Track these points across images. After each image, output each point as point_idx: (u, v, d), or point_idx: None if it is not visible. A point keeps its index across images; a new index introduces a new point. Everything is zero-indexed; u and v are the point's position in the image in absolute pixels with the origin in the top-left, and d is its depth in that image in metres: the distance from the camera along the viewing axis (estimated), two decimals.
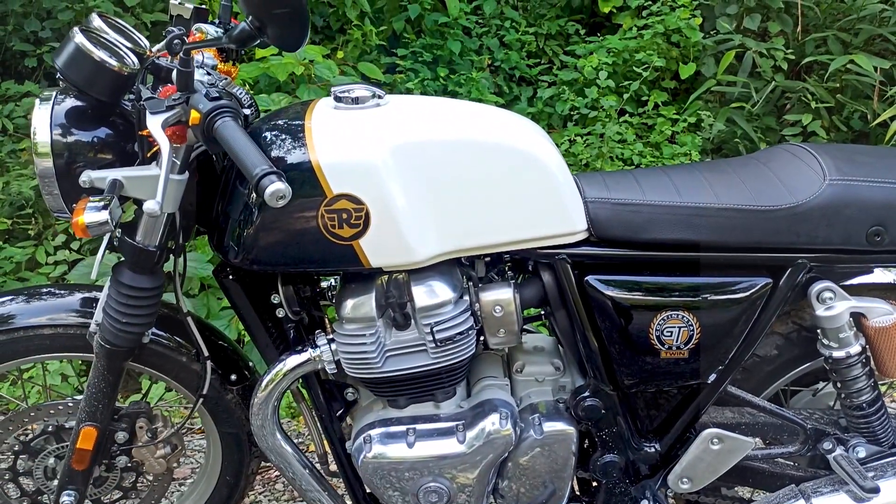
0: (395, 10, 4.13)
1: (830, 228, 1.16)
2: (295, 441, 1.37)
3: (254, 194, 1.13)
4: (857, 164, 1.20)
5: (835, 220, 1.16)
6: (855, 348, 1.22)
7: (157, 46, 1.24)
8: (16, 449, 1.41)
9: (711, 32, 4.01)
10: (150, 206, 1.02)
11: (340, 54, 3.66)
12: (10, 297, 1.38)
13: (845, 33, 3.94)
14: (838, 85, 3.85)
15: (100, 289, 1.37)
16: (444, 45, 3.99)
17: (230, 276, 1.27)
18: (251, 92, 2.95)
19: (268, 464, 2.05)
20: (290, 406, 2.35)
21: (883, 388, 1.51)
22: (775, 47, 3.83)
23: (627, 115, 3.85)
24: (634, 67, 3.89)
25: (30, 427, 1.44)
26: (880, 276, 1.37)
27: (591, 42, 4.12)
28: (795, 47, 3.90)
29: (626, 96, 3.85)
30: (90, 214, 1.02)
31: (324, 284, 1.39)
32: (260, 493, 1.94)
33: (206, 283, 2.74)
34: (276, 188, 0.95)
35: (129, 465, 1.44)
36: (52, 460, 1.42)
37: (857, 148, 1.31)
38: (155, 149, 1.09)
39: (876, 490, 1.18)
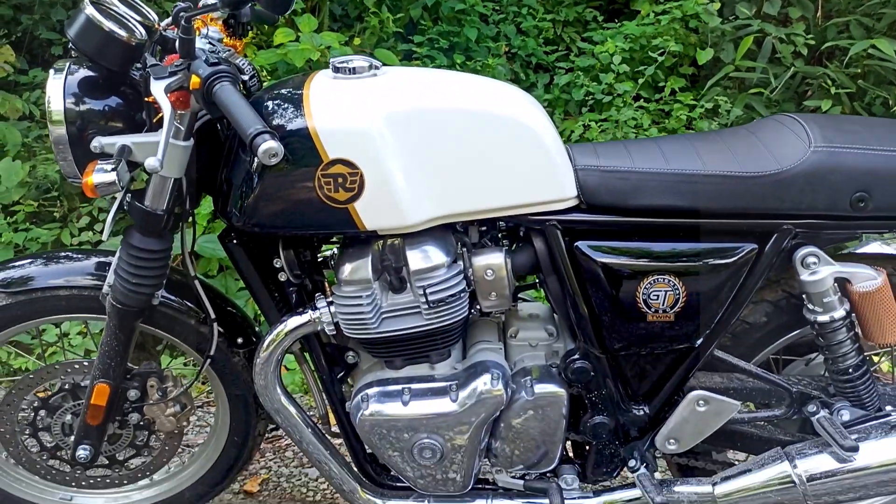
0: None
1: (815, 194, 1.18)
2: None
3: (255, 160, 1.19)
4: (844, 131, 1.22)
5: (819, 186, 1.18)
6: (839, 312, 1.24)
7: (166, 21, 1.30)
8: (35, 405, 1.49)
9: (730, 18, 3.99)
10: (150, 161, 1.08)
11: (357, 41, 3.71)
12: (29, 260, 1.46)
13: (868, 18, 3.89)
14: (860, 70, 3.80)
15: (114, 253, 1.44)
16: (460, 32, 4.02)
17: (234, 241, 1.33)
18: (268, 78, 3.02)
19: (276, 432, 2.13)
20: (303, 384, 2.41)
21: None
22: (795, 32, 3.79)
23: (643, 100, 3.85)
24: (651, 53, 3.89)
25: (48, 385, 1.52)
26: (876, 248, 1.39)
27: (609, 28, 4.12)
28: (816, 33, 3.85)
29: (641, 81, 3.84)
30: (98, 175, 1.09)
31: (326, 253, 1.44)
32: (270, 460, 2.01)
33: (223, 264, 2.82)
34: (269, 146, 1.00)
35: (141, 422, 1.51)
36: (68, 417, 1.50)
37: (847, 118, 1.32)
38: (160, 115, 1.15)
39: (855, 449, 1.20)
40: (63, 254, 1.49)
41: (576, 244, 1.26)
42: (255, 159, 1.17)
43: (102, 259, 1.45)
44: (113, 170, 1.10)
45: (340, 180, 1.18)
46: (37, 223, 3.28)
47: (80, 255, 1.48)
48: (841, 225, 1.21)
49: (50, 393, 1.49)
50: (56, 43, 3.86)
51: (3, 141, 3.41)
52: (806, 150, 1.19)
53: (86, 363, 1.47)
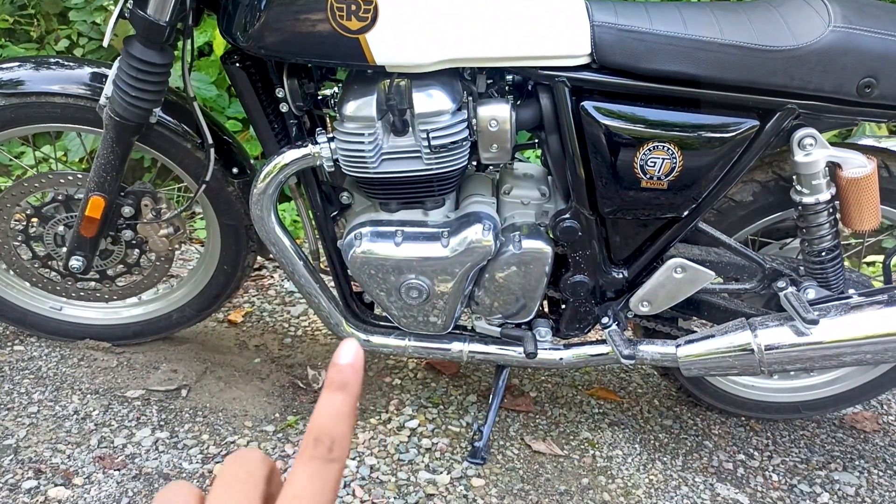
0: None
1: (825, 75, 1.19)
2: None
3: None
4: (865, 15, 1.21)
5: (830, 67, 1.18)
6: (824, 196, 1.29)
7: None
8: (28, 213, 1.50)
9: None
10: None
11: None
12: (17, 64, 1.41)
13: None
14: None
15: (107, 65, 1.40)
16: None
17: (237, 64, 1.30)
18: None
19: (260, 271, 2.18)
20: (293, 224, 2.44)
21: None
22: None
23: None
24: None
25: (41, 193, 1.52)
26: (869, 142, 1.42)
27: None
28: None
29: None
30: None
31: (327, 92, 1.42)
32: (254, 296, 2.08)
33: (209, 104, 2.76)
34: None
35: (134, 240, 1.54)
36: (61, 228, 1.51)
37: (871, 2, 1.29)
38: None
39: (815, 322, 1.29)
40: (54, 60, 1.44)
41: (582, 104, 1.26)
42: None
43: (97, 70, 1.41)
44: None
45: (354, 7, 1.14)
46: (12, 41, 3.14)
47: (72, 63, 1.43)
48: (843, 110, 1.23)
49: (43, 201, 1.50)
50: None
51: None
52: (824, 29, 1.18)
53: (80, 175, 1.47)
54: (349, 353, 0.34)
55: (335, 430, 0.34)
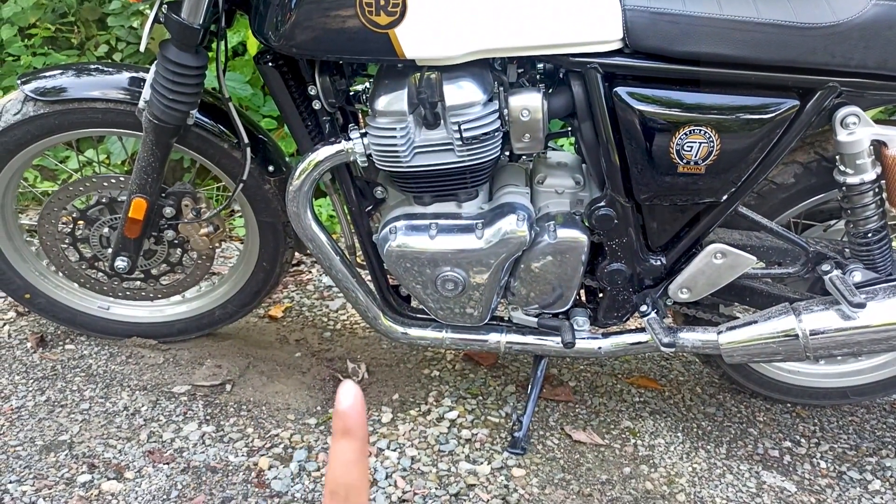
0: None
1: (867, 51, 1.15)
2: None
3: None
4: None
5: (873, 43, 1.14)
6: (870, 175, 1.25)
7: None
8: (74, 216, 1.54)
9: None
10: None
11: None
12: (60, 71, 1.45)
13: None
14: None
15: (145, 69, 1.43)
16: None
17: (269, 63, 1.31)
18: None
19: (298, 266, 2.21)
20: (329, 219, 2.46)
21: None
22: None
23: None
24: None
25: (86, 196, 1.57)
26: None
27: None
28: None
29: None
30: None
31: (358, 87, 1.43)
32: (293, 292, 2.11)
33: (243, 103, 2.80)
34: None
35: (176, 240, 1.58)
36: (106, 230, 1.56)
37: None
38: None
39: (862, 305, 1.26)
40: (94, 66, 1.48)
41: (615, 90, 1.24)
42: None
43: (135, 74, 1.45)
44: None
45: (382, 3, 1.15)
46: (55, 49, 3.23)
47: (111, 69, 1.47)
48: (888, 86, 1.19)
49: (88, 205, 1.54)
50: None
51: None
52: (866, 3, 1.14)
53: (122, 178, 1.51)
54: (348, 396, 0.34)
55: (348, 479, 0.34)
